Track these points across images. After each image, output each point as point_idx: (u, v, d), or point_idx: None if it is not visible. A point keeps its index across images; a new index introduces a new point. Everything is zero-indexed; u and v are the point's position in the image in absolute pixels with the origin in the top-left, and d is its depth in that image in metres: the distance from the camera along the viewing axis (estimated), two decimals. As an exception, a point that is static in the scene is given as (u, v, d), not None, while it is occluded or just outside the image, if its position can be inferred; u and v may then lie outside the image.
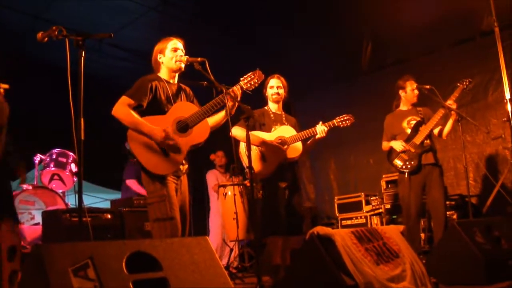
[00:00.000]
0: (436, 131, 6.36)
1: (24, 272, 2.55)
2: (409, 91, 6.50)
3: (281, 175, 5.44)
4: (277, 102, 5.72)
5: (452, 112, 6.20)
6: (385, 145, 6.55)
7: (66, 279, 2.29)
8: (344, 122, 5.52)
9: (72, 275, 2.31)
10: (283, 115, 5.73)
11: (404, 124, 6.44)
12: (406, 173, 6.23)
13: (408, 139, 6.30)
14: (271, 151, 5.41)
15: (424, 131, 6.24)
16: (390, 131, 6.57)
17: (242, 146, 5.48)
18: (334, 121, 5.50)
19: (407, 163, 6.22)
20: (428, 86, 6.34)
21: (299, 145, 5.50)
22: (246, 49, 8.64)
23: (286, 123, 5.64)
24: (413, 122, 6.38)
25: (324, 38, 8.45)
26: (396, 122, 6.54)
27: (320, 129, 5.41)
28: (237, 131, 5.29)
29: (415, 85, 6.45)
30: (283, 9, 7.79)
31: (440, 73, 8.27)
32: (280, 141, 5.45)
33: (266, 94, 5.75)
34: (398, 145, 6.31)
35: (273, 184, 5.41)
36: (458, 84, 6.40)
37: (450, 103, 6.17)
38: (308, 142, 5.58)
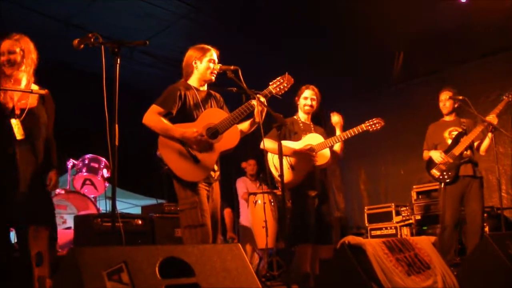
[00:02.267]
0: (475, 144, 6.29)
1: (59, 275, 2.58)
2: (440, 103, 6.48)
3: (310, 184, 5.43)
4: (308, 113, 5.72)
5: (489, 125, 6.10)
6: (425, 154, 6.54)
7: (100, 282, 2.31)
8: (373, 126, 5.49)
9: (106, 279, 2.33)
10: (312, 125, 5.72)
11: (446, 134, 6.40)
12: (443, 184, 6.20)
13: (448, 150, 6.26)
14: (299, 159, 5.39)
15: (464, 142, 6.19)
16: (431, 140, 6.56)
17: (270, 156, 5.47)
18: (363, 125, 5.48)
19: (444, 173, 6.19)
20: (461, 97, 6.29)
21: (326, 152, 5.48)
22: (275, 57, 8.64)
23: (314, 132, 5.63)
24: (455, 132, 6.35)
25: (355, 47, 8.43)
26: (438, 132, 6.53)
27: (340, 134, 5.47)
28: (268, 144, 5.26)
29: (447, 96, 6.40)
30: (313, 18, 7.79)
31: (472, 84, 8.22)
32: (309, 148, 5.45)
33: (298, 103, 5.75)
34: (437, 155, 6.29)
35: (302, 193, 5.40)
36: (504, 97, 6.29)
37: (491, 118, 6.07)
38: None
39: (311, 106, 5.67)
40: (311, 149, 5.42)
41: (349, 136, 5.42)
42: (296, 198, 5.47)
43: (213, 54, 4.57)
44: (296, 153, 5.38)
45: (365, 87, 9.65)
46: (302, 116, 5.73)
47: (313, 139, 5.52)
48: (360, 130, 5.45)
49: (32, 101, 4.15)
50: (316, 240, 5.36)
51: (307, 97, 5.68)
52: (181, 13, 7.69)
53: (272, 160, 5.44)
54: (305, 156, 5.37)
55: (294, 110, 5.83)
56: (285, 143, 5.40)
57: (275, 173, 5.46)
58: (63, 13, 7.55)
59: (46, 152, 4.24)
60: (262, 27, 8.07)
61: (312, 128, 5.68)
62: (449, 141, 6.35)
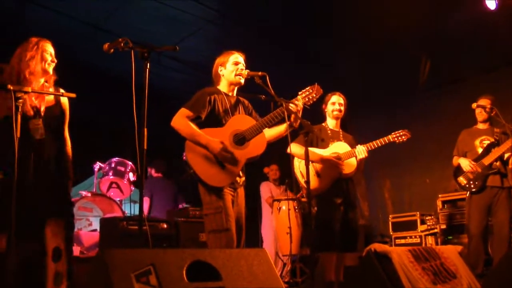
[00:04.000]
0: (506, 155, 6.23)
1: (88, 276, 2.61)
2: (476, 110, 6.41)
3: (336, 191, 5.41)
4: (337, 118, 5.69)
5: None
6: (455, 160, 6.52)
7: (128, 284, 2.34)
8: (400, 138, 5.49)
9: (134, 281, 2.36)
10: (341, 132, 5.70)
11: (476, 142, 6.36)
12: (468, 193, 6.17)
13: (477, 159, 6.24)
14: (326, 166, 5.38)
15: (495, 153, 6.15)
16: (461, 147, 6.54)
17: (296, 162, 5.48)
18: (390, 136, 5.48)
19: (471, 182, 6.17)
20: (489, 106, 6.25)
21: (353, 161, 5.46)
22: (303, 64, 8.65)
23: (342, 140, 5.61)
24: (486, 142, 6.31)
25: (381, 55, 8.40)
26: (469, 139, 6.50)
27: (359, 150, 5.40)
28: (296, 149, 5.27)
29: (475, 105, 6.34)
30: (340, 26, 7.78)
31: (499, 93, 8.09)
32: (336, 155, 5.43)
33: (326, 110, 5.73)
34: (466, 164, 6.29)
35: (328, 200, 5.38)
36: None
37: None
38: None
39: (340, 110, 5.65)
40: (338, 157, 5.41)
41: (375, 146, 5.42)
42: (322, 205, 5.45)
43: (238, 57, 4.60)
44: (323, 160, 5.37)
45: (391, 95, 9.58)
46: (330, 123, 5.71)
47: (339, 147, 5.51)
48: (387, 141, 5.46)
49: (49, 100, 4.19)
50: (341, 248, 5.34)
51: (335, 102, 5.66)
52: (208, 19, 7.73)
53: (299, 166, 5.44)
54: (332, 164, 5.36)
55: (322, 119, 5.81)
56: (312, 149, 5.39)
57: (301, 179, 5.46)
58: (92, 17, 7.63)
59: (64, 151, 4.28)
60: (288, 34, 8.08)
61: (341, 135, 5.65)
62: (479, 150, 6.31)
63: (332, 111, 5.66)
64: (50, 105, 4.16)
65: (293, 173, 5.54)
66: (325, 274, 5.30)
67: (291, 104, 4.35)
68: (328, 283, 5.25)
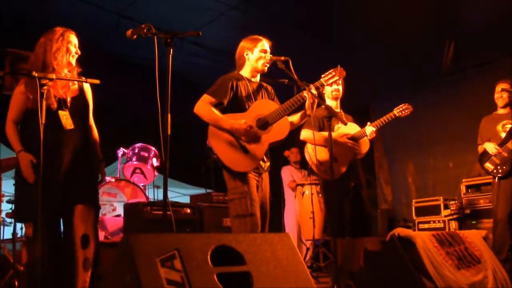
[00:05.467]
0: None
1: (113, 261, 2.64)
2: (496, 94, 6.37)
3: (347, 175, 5.37)
4: (336, 98, 5.57)
5: None
6: (480, 148, 6.51)
7: (153, 268, 2.36)
8: (403, 112, 5.52)
9: (159, 265, 2.38)
10: (342, 113, 5.61)
11: (499, 127, 6.32)
12: (496, 178, 6.14)
13: (502, 143, 6.20)
14: (342, 149, 5.33)
15: None
16: (484, 134, 6.52)
17: (310, 148, 5.43)
18: (394, 111, 5.50)
19: (498, 167, 6.15)
20: (510, 89, 6.21)
21: (366, 139, 5.44)
22: (325, 49, 8.60)
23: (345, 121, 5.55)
24: (509, 126, 6.27)
25: (404, 38, 8.32)
26: (490, 125, 6.47)
27: (369, 131, 5.37)
28: (307, 134, 5.25)
29: (501, 88, 6.29)
30: (366, 11, 7.72)
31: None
32: (350, 136, 5.39)
33: (323, 92, 5.61)
34: (491, 147, 6.26)
35: (336, 185, 5.27)
36: None
37: None
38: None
39: (338, 90, 5.53)
40: (352, 138, 5.38)
41: (383, 124, 5.42)
42: (330, 190, 5.38)
43: (265, 44, 4.56)
44: (338, 143, 5.29)
45: (414, 79, 9.50)
46: (331, 104, 5.56)
47: (349, 128, 5.45)
48: (393, 117, 5.47)
49: (74, 89, 4.24)
50: (354, 233, 5.31)
51: (333, 82, 5.58)
52: (231, 4, 7.71)
53: (312, 152, 5.38)
54: (347, 146, 5.31)
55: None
56: (322, 133, 5.34)
57: (315, 166, 5.40)
58: (115, 4, 7.65)
59: (90, 139, 4.35)
60: (311, 19, 8.04)
61: (343, 117, 5.59)
62: (503, 135, 6.28)
63: (332, 91, 5.53)
64: (75, 95, 4.22)
65: (308, 159, 5.52)
66: (346, 258, 5.28)
67: (312, 89, 4.33)
68: (348, 267, 5.23)
